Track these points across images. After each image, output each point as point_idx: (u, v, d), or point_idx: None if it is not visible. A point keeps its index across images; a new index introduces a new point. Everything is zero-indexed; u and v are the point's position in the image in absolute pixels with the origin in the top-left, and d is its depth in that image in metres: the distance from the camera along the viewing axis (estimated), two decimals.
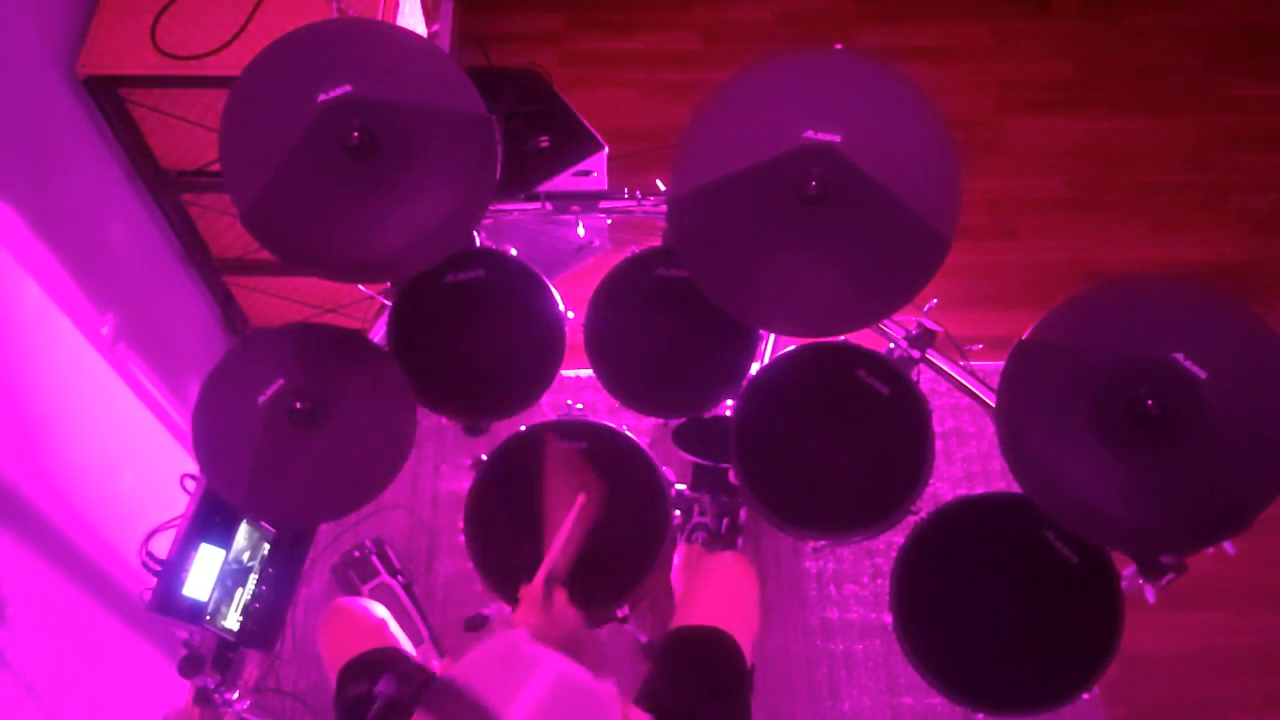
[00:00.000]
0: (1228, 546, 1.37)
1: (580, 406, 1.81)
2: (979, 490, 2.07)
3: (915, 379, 1.67)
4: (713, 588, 1.58)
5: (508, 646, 0.98)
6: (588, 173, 2.47)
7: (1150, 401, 1.28)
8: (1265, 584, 2.28)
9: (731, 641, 1.46)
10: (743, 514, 2.09)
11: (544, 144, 2.47)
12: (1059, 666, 1.48)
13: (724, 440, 1.67)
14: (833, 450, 1.64)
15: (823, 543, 2.08)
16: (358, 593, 2.21)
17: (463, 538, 1.65)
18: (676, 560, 1.82)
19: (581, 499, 1.42)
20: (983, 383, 1.68)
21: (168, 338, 2.26)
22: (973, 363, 1.70)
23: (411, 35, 1.63)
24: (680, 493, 2.08)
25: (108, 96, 1.93)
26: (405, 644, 1.66)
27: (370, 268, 1.55)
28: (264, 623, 1.69)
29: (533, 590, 1.34)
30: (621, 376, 1.74)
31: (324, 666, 1.62)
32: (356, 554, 2.26)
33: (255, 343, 1.63)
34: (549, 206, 1.93)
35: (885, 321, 1.73)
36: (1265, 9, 3.11)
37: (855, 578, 2.30)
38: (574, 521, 1.40)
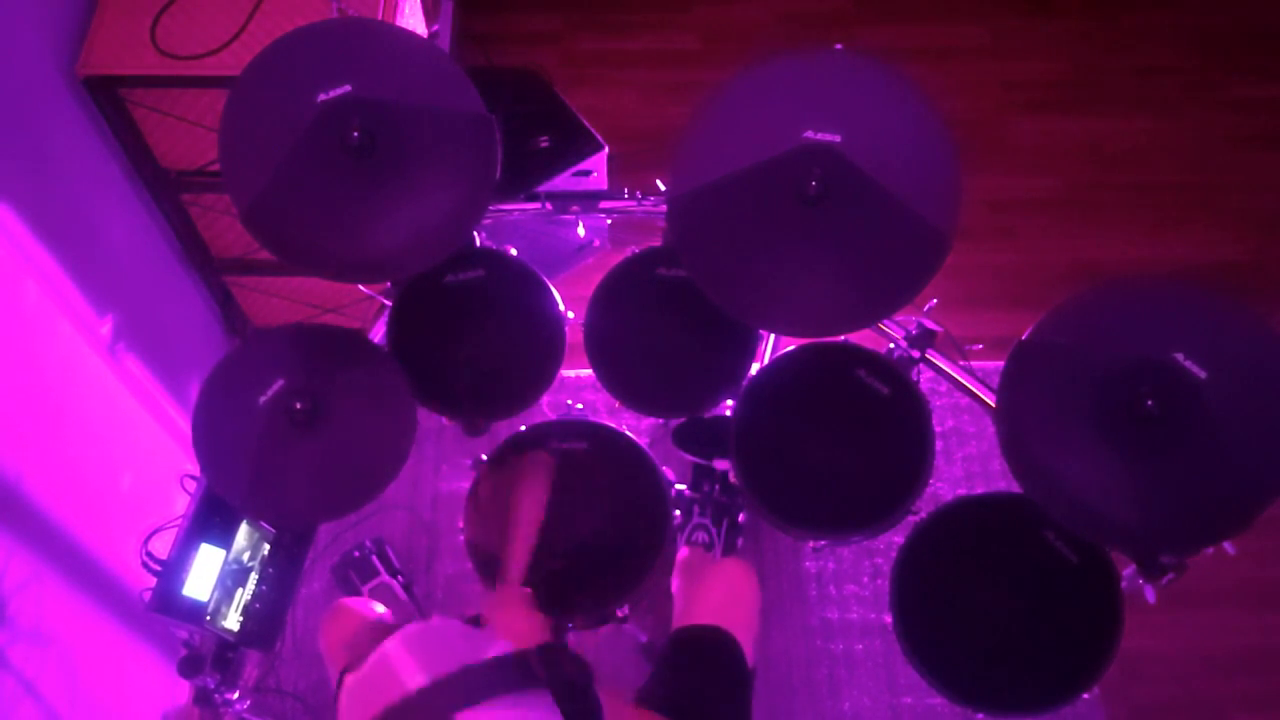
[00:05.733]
0: (1228, 546, 1.37)
1: (580, 406, 1.81)
2: (979, 490, 2.06)
3: (915, 379, 1.67)
4: (714, 590, 1.58)
5: (377, 661, 0.97)
6: (588, 173, 2.47)
7: (1150, 401, 1.28)
8: (1265, 584, 2.28)
9: (734, 642, 1.46)
10: (742, 515, 2.09)
11: (544, 144, 2.47)
12: (1059, 667, 1.48)
13: (724, 440, 1.67)
14: (833, 450, 1.64)
15: (823, 543, 2.08)
16: (358, 593, 2.21)
17: (463, 538, 1.65)
18: (677, 562, 1.82)
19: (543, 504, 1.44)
20: (983, 383, 1.68)
21: (168, 338, 2.26)
22: (973, 363, 1.70)
23: (411, 35, 1.63)
24: (680, 493, 2.08)
25: (108, 96, 1.93)
26: None
27: (370, 268, 1.55)
28: (264, 623, 1.69)
29: (510, 594, 1.35)
30: (621, 376, 1.74)
31: (325, 666, 1.62)
32: (356, 554, 2.26)
33: (255, 343, 1.62)
34: (549, 206, 1.93)
35: (885, 321, 1.73)
36: (1265, 9, 3.11)
37: (855, 578, 2.30)
38: (529, 524, 1.42)
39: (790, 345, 1.72)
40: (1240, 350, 1.33)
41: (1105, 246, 2.74)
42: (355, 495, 1.53)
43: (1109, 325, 1.38)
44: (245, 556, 1.69)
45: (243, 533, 1.69)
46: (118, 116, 1.97)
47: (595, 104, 2.66)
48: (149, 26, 1.92)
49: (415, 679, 0.88)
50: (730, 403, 1.72)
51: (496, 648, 0.93)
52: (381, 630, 1.59)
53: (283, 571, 1.74)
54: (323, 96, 1.43)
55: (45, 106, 1.83)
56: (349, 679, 0.99)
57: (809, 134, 1.41)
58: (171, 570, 1.59)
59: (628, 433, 1.71)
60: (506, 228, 2.31)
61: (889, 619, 1.56)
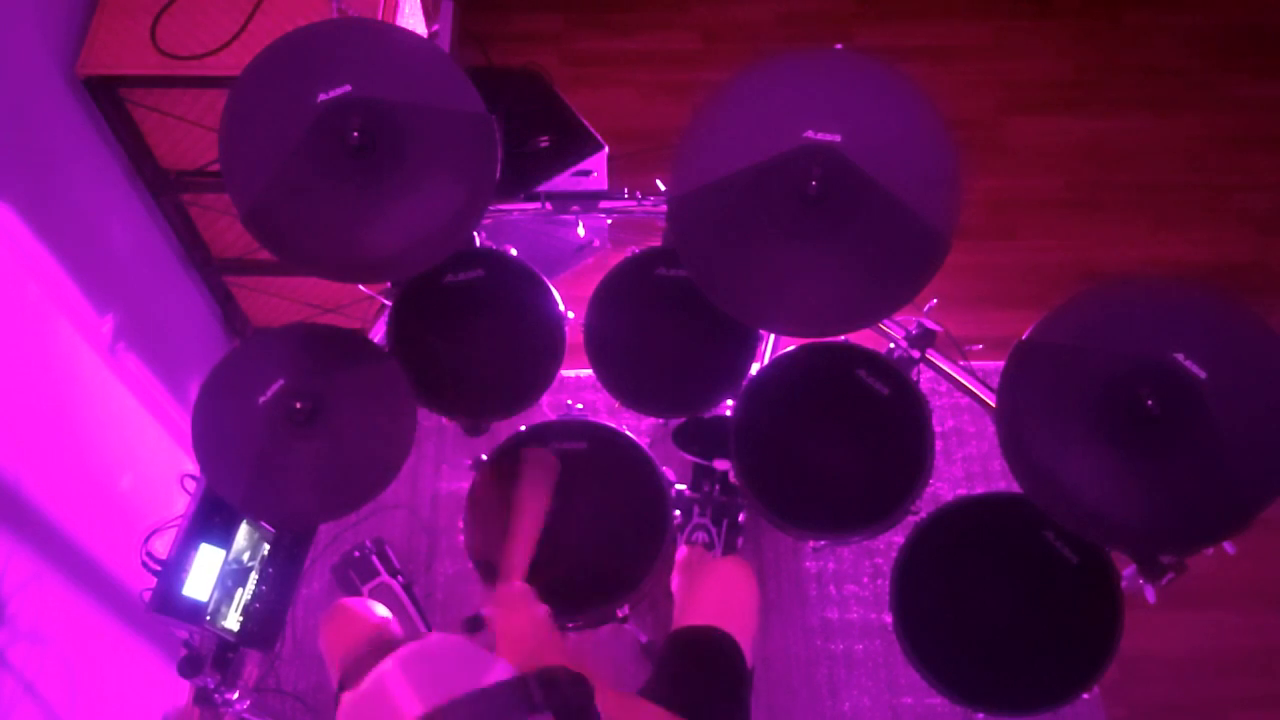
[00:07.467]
0: (1228, 546, 1.37)
1: (580, 406, 1.81)
2: (979, 490, 2.07)
3: (915, 379, 1.67)
4: (712, 589, 1.58)
5: (373, 686, 0.94)
6: (588, 173, 2.47)
7: (1150, 401, 1.28)
8: (1265, 584, 2.28)
9: (732, 642, 1.46)
10: (742, 515, 2.09)
11: (544, 144, 2.47)
12: (1059, 666, 1.48)
13: (724, 440, 1.67)
14: (833, 450, 1.64)
15: (823, 543, 2.08)
16: (358, 593, 2.21)
17: (462, 538, 1.65)
18: (676, 562, 1.83)
19: (546, 503, 1.43)
20: (983, 383, 1.68)
21: (168, 338, 2.26)
22: (973, 363, 1.70)
23: (411, 35, 1.63)
24: (680, 493, 2.08)
25: (108, 97, 1.93)
26: None
27: (370, 268, 1.55)
28: (264, 623, 1.69)
29: (512, 592, 1.34)
30: (621, 376, 1.74)
31: (325, 666, 1.62)
32: (356, 554, 2.26)
33: (255, 343, 1.63)
34: (549, 206, 1.93)
35: (885, 321, 1.73)
36: (1265, 9, 3.11)
37: (855, 578, 2.30)
38: (532, 522, 1.41)
39: (790, 345, 1.72)
40: (1240, 350, 1.33)
41: (1105, 246, 2.74)
42: (355, 495, 1.53)
43: (1109, 325, 1.38)
44: (245, 556, 1.69)
45: (243, 533, 1.69)
46: (118, 116, 1.97)
47: (595, 104, 2.66)
48: (149, 26, 1.92)
49: (412, 708, 0.87)
50: (730, 402, 1.72)
51: (496, 672, 0.93)
52: (381, 637, 1.60)
53: (283, 571, 1.74)
54: (323, 96, 1.43)
55: (45, 106, 1.83)
56: (345, 699, 0.98)
57: (809, 134, 1.41)
58: (171, 570, 1.59)
59: (628, 433, 1.71)
60: (506, 228, 2.31)
61: (889, 619, 1.56)
